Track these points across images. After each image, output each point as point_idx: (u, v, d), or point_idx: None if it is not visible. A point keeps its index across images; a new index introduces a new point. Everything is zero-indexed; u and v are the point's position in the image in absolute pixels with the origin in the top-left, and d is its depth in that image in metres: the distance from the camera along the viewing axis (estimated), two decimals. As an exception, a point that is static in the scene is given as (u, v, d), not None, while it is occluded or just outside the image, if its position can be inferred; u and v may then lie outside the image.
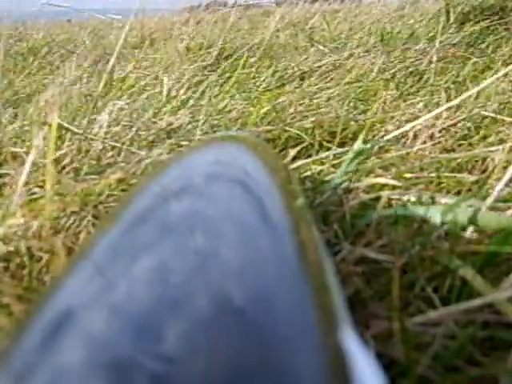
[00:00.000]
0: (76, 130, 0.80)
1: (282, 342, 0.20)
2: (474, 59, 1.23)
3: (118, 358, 0.19)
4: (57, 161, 0.72)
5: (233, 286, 0.23)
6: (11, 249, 0.49)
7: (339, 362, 0.20)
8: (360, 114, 0.87)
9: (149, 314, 0.21)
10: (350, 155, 0.59)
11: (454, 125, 0.78)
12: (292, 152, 0.72)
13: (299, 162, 0.68)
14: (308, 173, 0.64)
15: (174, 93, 1.22)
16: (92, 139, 0.79)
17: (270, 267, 0.25)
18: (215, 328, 0.20)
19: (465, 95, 0.73)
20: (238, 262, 0.25)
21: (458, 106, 0.85)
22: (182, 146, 0.79)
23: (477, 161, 0.67)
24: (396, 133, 0.71)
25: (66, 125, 0.80)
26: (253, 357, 0.19)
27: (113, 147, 0.78)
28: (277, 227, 0.30)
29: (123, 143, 0.79)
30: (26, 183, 0.60)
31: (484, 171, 0.64)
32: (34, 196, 0.57)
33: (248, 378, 0.18)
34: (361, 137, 0.65)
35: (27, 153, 0.72)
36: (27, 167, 0.57)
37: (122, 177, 0.64)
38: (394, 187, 0.56)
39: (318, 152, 0.73)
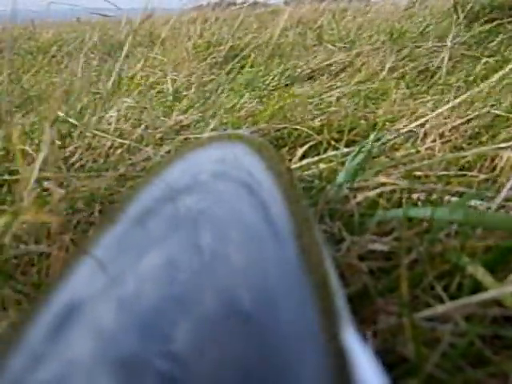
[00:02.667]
0: (83, 127, 0.80)
1: (284, 343, 0.20)
2: (485, 58, 1.22)
3: (123, 355, 0.19)
4: (66, 158, 0.72)
5: (236, 284, 0.23)
6: (22, 246, 0.49)
7: (340, 362, 0.20)
8: (370, 113, 0.87)
9: (154, 312, 0.21)
10: (355, 152, 0.59)
11: (464, 123, 0.78)
12: (301, 150, 0.72)
13: (308, 160, 0.68)
14: (316, 171, 0.64)
15: (182, 91, 1.22)
16: (101, 136, 0.79)
17: (271, 266, 0.25)
18: (219, 324, 0.20)
19: (473, 91, 0.73)
20: (241, 261, 0.25)
21: (468, 105, 0.85)
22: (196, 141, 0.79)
23: (486, 159, 0.67)
24: (404, 130, 0.71)
25: (74, 121, 0.81)
26: (253, 357, 0.19)
27: (122, 144, 0.78)
28: (278, 226, 0.30)
29: (132, 140, 0.80)
30: (36, 180, 0.60)
31: (493, 170, 0.64)
32: (44, 193, 0.57)
33: (248, 378, 0.18)
34: (372, 136, 0.65)
35: (36, 150, 0.72)
36: (37, 165, 0.57)
37: (125, 173, 0.64)
38: (402, 186, 0.56)
39: (326, 150, 0.73)
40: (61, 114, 0.83)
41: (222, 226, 0.29)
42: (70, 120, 0.82)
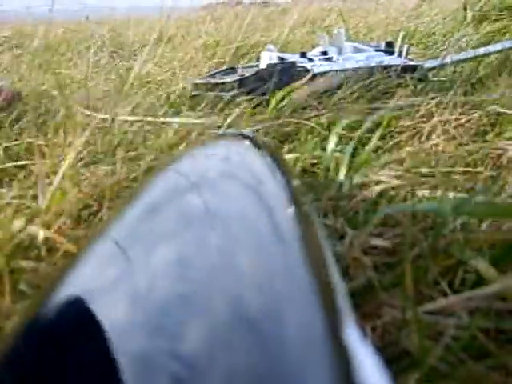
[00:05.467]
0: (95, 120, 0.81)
1: (286, 342, 0.20)
2: (491, 57, 1.22)
3: (129, 352, 0.20)
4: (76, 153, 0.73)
5: (241, 285, 0.23)
6: (33, 240, 0.50)
7: (343, 362, 0.20)
8: (375, 110, 0.87)
9: (163, 310, 0.22)
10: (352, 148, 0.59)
11: (469, 121, 0.78)
12: (307, 146, 0.72)
13: (314, 155, 0.68)
14: (322, 167, 0.64)
15: (191, 89, 1.22)
16: (109, 133, 0.80)
17: (275, 266, 0.25)
18: (222, 321, 0.21)
19: (481, 92, 0.73)
20: (246, 261, 0.25)
21: (474, 103, 0.84)
22: (199, 141, 0.79)
23: (492, 157, 0.67)
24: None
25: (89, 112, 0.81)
26: (255, 358, 0.19)
27: (131, 141, 0.79)
28: (280, 226, 0.30)
29: (139, 138, 0.80)
30: (47, 174, 0.61)
31: (499, 167, 0.64)
32: (54, 187, 0.58)
33: (248, 378, 0.18)
34: (377, 133, 0.66)
35: (47, 146, 0.72)
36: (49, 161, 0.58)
37: (133, 170, 0.65)
38: (407, 182, 0.56)
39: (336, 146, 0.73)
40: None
41: (223, 227, 0.29)
42: (84, 111, 0.83)
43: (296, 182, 0.41)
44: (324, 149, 0.70)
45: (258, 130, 0.83)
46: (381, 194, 0.54)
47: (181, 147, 0.76)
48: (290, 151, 0.74)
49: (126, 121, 0.86)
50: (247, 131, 0.62)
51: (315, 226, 0.34)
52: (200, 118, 0.91)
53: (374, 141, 0.64)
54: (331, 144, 0.68)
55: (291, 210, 0.32)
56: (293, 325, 0.21)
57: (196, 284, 0.23)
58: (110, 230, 0.31)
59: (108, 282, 0.24)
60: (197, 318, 0.21)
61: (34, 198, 0.57)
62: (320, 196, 0.54)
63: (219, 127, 0.88)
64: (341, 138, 0.76)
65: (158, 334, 0.20)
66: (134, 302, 0.22)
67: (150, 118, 0.87)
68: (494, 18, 1.71)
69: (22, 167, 0.71)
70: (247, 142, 0.45)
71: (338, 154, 0.66)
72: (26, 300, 0.43)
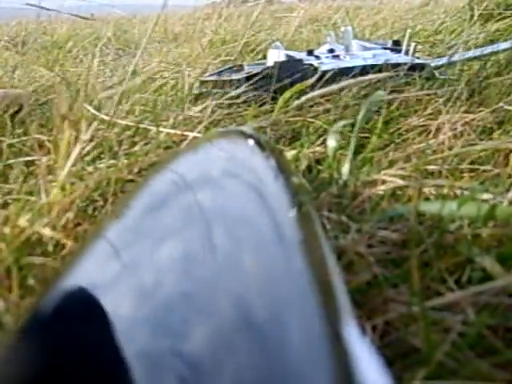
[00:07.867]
0: (103, 116, 0.81)
1: (286, 341, 0.20)
2: (499, 55, 1.22)
3: (133, 349, 0.20)
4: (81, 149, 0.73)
5: (240, 284, 0.23)
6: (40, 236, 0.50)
7: (343, 363, 0.20)
8: (383, 108, 0.87)
9: (165, 309, 0.22)
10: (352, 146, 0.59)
11: (476, 119, 0.78)
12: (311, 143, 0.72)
13: (318, 150, 0.68)
14: (326, 164, 0.64)
15: (197, 86, 1.23)
16: (111, 129, 0.80)
17: (275, 265, 0.25)
18: (223, 323, 0.21)
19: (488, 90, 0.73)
20: (245, 260, 0.25)
21: (481, 101, 0.85)
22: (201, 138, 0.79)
23: (499, 155, 0.67)
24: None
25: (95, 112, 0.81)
26: (255, 357, 0.19)
27: (133, 135, 0.79)
28: (281, 224, 0.30)
29: (142, 134, 0.80)
30: (51, 170, 0.61)
31: (506, 165, 0.64)
32: (59, 183, 0.58)
33: (248, 375, 0.18)
34: (379, 125, 0.65)
35: (52, 141, 0.73)
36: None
37: (136, 165, 0.65)
38: (413, 180, 0.56)
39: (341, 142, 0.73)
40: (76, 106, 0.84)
41: (222, 226, 0.29)
42: (89, 108, 0.83)
43: (297, 181, 0.41)
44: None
45: (264, 128, 0.83)
46: (387, 192, 0.54)
47: (183, 144, 0.77)
48: (295, 148, 0.74)
49: (128, 118, 0.86)
50: (249, 129, 0.62)
51: (316, 225, 0.34)
52: (205, 114, 0.91)
53: (377, 137, 0.64)
54: (333, 141, 0.68)
55: (291, 209, 0.32)
56: (293, 324, 0.21)
57: (196, 282, 0.23)
58: (110, 228, 0.31)
59: (110, 280, 0.25)
60: (197, 316, 0.21)
61: (40, 193, 0.57)
62: (324, 193, 0.54)
63: (224, 124, 0.89)
64: (343, 133, 0.76)
65: (158, 332, 0.20)
66: (133, 301, 0.22)
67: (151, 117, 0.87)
68: (500, 16, 1.71)
69: (29, 163, 0.71)
70: (248, 140, 0.45)
71: (342, 150, 0.66)
72: (33, 295, 0.43)
